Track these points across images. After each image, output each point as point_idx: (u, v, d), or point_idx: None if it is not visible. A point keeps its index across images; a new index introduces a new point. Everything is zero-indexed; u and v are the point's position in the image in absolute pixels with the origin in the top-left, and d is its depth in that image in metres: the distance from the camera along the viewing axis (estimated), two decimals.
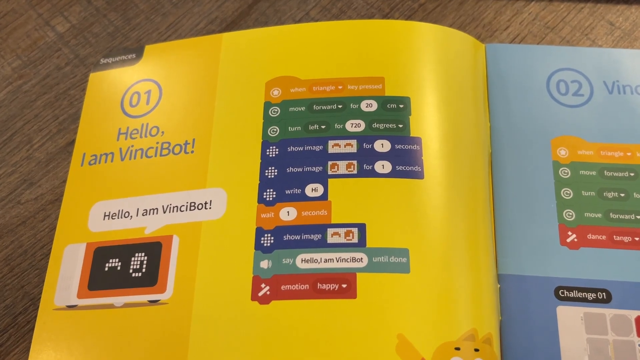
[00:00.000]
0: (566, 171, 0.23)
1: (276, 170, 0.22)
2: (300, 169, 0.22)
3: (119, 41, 0.27)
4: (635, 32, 0.26)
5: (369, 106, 0.22)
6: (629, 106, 0.24)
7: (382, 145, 0.22)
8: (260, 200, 0.21)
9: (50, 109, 0.26)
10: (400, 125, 0.22)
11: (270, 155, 0.22)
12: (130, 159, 0.23)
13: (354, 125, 0.22)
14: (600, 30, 0.26)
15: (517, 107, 0.24)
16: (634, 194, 0.23)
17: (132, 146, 0.24)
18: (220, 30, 0.27)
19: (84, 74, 0.26)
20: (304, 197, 0.21)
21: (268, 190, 0.22)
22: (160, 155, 0.23)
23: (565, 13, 0.27)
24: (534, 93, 0.24)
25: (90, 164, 0.24)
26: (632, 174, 0.23)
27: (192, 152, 0.23)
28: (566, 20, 0.26)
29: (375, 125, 0.22)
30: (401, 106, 0.22)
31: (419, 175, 0.21)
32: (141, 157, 0.23)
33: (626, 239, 0.22)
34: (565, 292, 0.21)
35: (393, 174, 0.21)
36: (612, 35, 0.26)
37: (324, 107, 0.23)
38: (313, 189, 0.21)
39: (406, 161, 0.21)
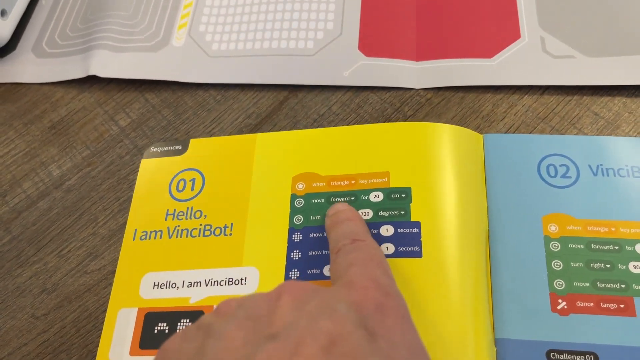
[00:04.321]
0: (556, 245, 0.26)
1: (300, 253, 0.26)
2: (319, 252, 0.26)
3: (170, 133, 0.32)
4: (617, 121, 0.29)
5: (376, 197, 0.26)
6: (612, 187, 0.27)
7: (387, 230, 0.25)
8: (287, 278, 0.25)
9: (113, 191, 0.30)
10: (402, 212, 0.26)
11: (295, 240, 0.26)
12: (177, 237, 0.28)
13: (364, 214, 0.26)
14: (586, 119, 0.30)
15: (511, 188, 0.27)
16: (619, 265, 0.25)
17: (179, 226, 0.28)
18: (256, 123, 0.32)
19: (141, 161, 0.31)
20: (322, 277, 0.25)
21: (293, 269, 0.26)
22: (203, 235, 0.27)
23: (555, 105, 0.30)
24: (527, 176, 0.28)
25: (141, 239, 0.28)
26: (616, 247, 0.26)
27: (231, 234, 0.27)
28: (555, 111, 0.30)
29: (381, 213, 0.26)
30: (403, 195, 0.26)
31: (417, 254, 0.24)
32: (186, 236, 0.28)
33: (612, 306, 0.25)
34: (556, 355, 0.24)
35: (396, 254, 0.24)
36: (596, 124, 0.29)
37: (339, 200, 0.27)
38: (329, 269, 0.25)
39: (407, 242, 0.25)
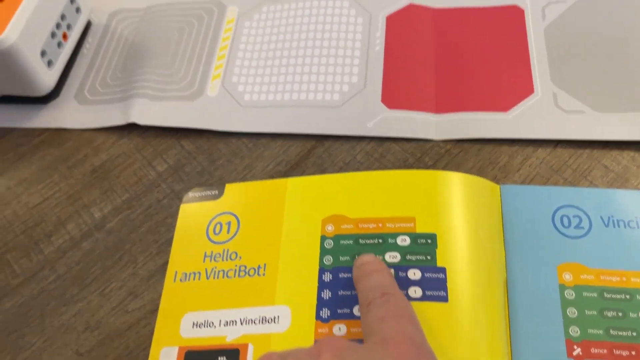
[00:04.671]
0: (571, 293, 0.28)
1: (330, 293, 0.28)
2: (349, 292, 0.27)
3: (205, 178, 0.34)
4: (626, 175, 0.31)
5: (404, 241, 0.28)
6: (623, 238, 0.29)
7: (414, 274, 0.27)
8: (318, 317, 0.27)
9: (152, 234, 0.32)
10: (429, 257, 0.27)
11: (326, 280, 0.28)
12: (214, 278, 0.30)
13: (392, 257, 0.28)
14: (597, 172, 0.32)
15: (527, 237, 0.29)
16: (630, 313, 0.27)
17: (216, 267, 0.30)
18: (285, 170, 0.34)
19: (178, 205, 0.33)
20: (352, 316, 0.27)
21: (324, 309, 0.27)
22: (239, 276, 0.29)
23: (567, 157, 0.32)
24: (542, 226, 0.30)
25: (181, 280, 0.30)
26: (627, 296, 0.27)
27: (264, 274, 0.29)
28: (568, 163, 0.32)
29: (408, 257, 0.28)
30: (429, 241, 0.28)
31: (443, 299, 0.26)
32: (223, 277, 0.29)
33: (624, 352, 0.26)
34: None
35: (424, 298, 0.26)
36: (607, 177, 0.31)
37: (367, 241, 0.29)
38: (359, 309, 0.26)
39: (433, 287, 0.26)
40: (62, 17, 0.38)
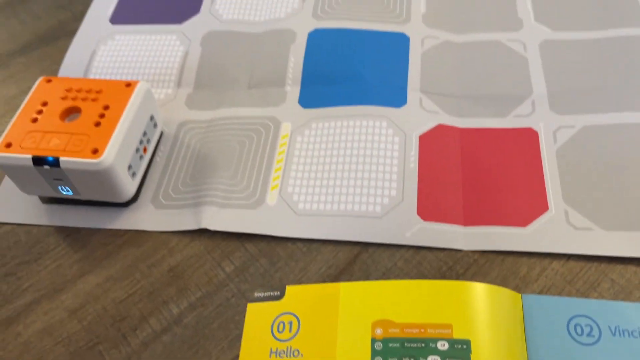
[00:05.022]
0: None
1: None
2: None
3: (267, 280, 0.40)
4: (629, 288, 0.37)
5: (443, 346, 0.34)
6: (628, 346, 0.34)
7: None
8: None
9: (222, 330, 0.38)
10: None
11: None
12: None
13: None
14: (604, 285, 0.37)
15: (547, 344, 0.34)
16: None
17: None
18: (336, 274, 0.40)
19: (244, 304, 0.39)
20: None
21: None
22: None
23: (578, 270, 0.38)
24: (559, 333, 0.35)
25: None
26: None
27: None
28: (579, 276, 0.38)
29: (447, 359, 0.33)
30: (464, 346, 0.33)
31: None
32: None
33: None
34: None
35: None
36: (613, 289, 0.37)
37: (412, 345, 0.34)
38: None
39: None
40: (144, 134, 0.45)
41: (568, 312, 0.36)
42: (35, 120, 0.42)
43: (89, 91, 0.44)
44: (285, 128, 0.47)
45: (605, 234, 0.39)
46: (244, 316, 0.38)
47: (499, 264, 0.39)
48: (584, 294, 0.37)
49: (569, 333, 0.35)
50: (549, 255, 0.39)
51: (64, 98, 0.44)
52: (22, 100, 0.53)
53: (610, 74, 0.48)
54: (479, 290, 0.35)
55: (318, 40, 0.52)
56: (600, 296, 0.37)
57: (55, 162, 0.40)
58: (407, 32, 0.53)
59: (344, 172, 0.44)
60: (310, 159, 0.45)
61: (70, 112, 0.43)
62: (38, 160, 0.40)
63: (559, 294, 0.37)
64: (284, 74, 0.51)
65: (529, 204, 0.41)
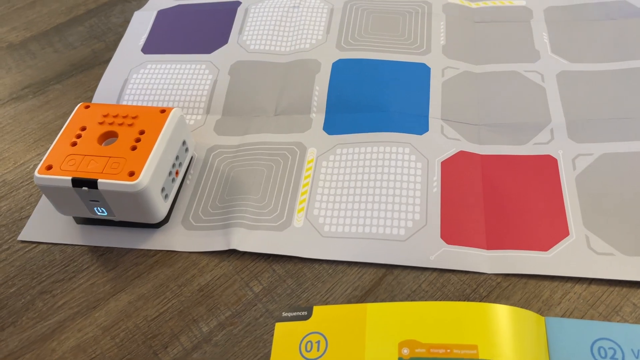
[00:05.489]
0: None
1: None
2: None
3: (294, 300, 0.41)
4: None
5: None
6: None
7: None
8: None
9: (251, 348, 0.39)
10: None
11: None
12: None
13: None
14: (626, 309, 0.38)
15: None
16: None
17: None
18: (361, 295, 0.41)
19: (272, 323, 0.40)
20: None
21: None
22: None
23: (601, 294, 0.39)
24: (583, 356, 0.35)
25: None
26: None
27: None
28: (601, 299, 0.38)
29: None
30: None
31: None
32: None
33: None
34: None
35: None
36: (635, 313, 0.37)
37: None
38: None
39: None
40: (177, 157, 0.46)
41: (592, 335, 0.36)
42: (74, 144, 0.44)
43: (125, 116, 0.46)
44: (311, 153, 0.49)
45: (627, 259, 0.40)
46: (272, 335, 0.39)
47: (522, 287, 0.40)
48: (607, 318, 0.38)
49: (593, 356, 0.35)
50: (571, 279, 0.40)
51: (101, 123, 0.46)
52: (57, 125, 0.55)
53: (627, 103, 0.49)
54: (503, 312, 0.36)
55: (342, 70, 0.55)
56: (623, 320, 0.37)
57: (94, 184, 0.42)
58: (428, 63, 0.55)
59: (368, 195, 0.45)
60: (335, 182, 0.47)
61: (108, 137, 0.45)
62: (77, 182, 0.42)
63: (582, 317, 0.38)
64: (309, 102, 0.53)
65: (550, 229, 0.42)
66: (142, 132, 0.45)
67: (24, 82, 0.60)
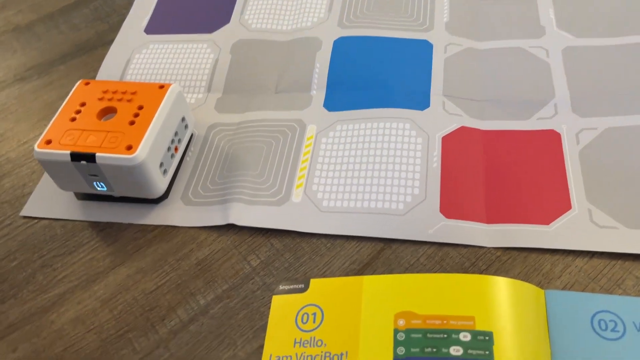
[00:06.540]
0: None
1: None
2: None
3: (291, 273, 0.41)
4: None
5: (465, 337, 0.34)
6: None
7: None
8: None
9: (248, 320, 0.39)
10: (487, 352, 0.33)
11: None
12: None
13: (455, 350, 0.33)
14: (629, 282, 0.37)
15: (570, 339, 0.34)
16: None
17: (304, 352, 0.36)
18: (359, 269, 0.40)
19: (269, 296, 0.40)
20: None
21: None
22: None
23: (602, 267, 0.38)
24: (582, 328, 0.35)
25: None
26: None
27: None
28: (603, 273, 0.38)
29: (469, 351, 0.33)
30: (487, 338, 0.33)
31: None
32: None
33: None
34: None
35: None
36: (638, 286, 0.37)
37: (435, 335, 0.34)
38: None
39: None
40: (176, 133, 0.46)
41: (592, 308, 0.36)
42: (73, 119, 0.44)
43: (124, 92, 0.46)
44: (311, 130, 0.49)
45: (630, 232, 0.39)
46: (269, 308, 0.39)
47: (522, 261, 0.39)
48: (608, 291, 0.37)
49: (593, 328, 0.35)
50: (572, 253, 0.39)
51: (100, 99, 0.46)
52: (61, 105, 0.56)
53: (633, 78, 0.48)
54: (501, 284, 0.36)
55: (343, 48, 0.54)
56: (625, 293, 0.37)
57: (92, 158, 0.42)
58: (431, 40, 0.54)
59: (367, 171, 0.45)
60: (334, 159, 0.46)
61: (107, 112, 0.45)
62: (76, 156, 0.42)
63: (583, 290, 0.37)
64: (309, 80, 0.52)
65: (552, 203, 0.41)
66: (140, 108, 0.45)
67: (28, 63, 0.61)
